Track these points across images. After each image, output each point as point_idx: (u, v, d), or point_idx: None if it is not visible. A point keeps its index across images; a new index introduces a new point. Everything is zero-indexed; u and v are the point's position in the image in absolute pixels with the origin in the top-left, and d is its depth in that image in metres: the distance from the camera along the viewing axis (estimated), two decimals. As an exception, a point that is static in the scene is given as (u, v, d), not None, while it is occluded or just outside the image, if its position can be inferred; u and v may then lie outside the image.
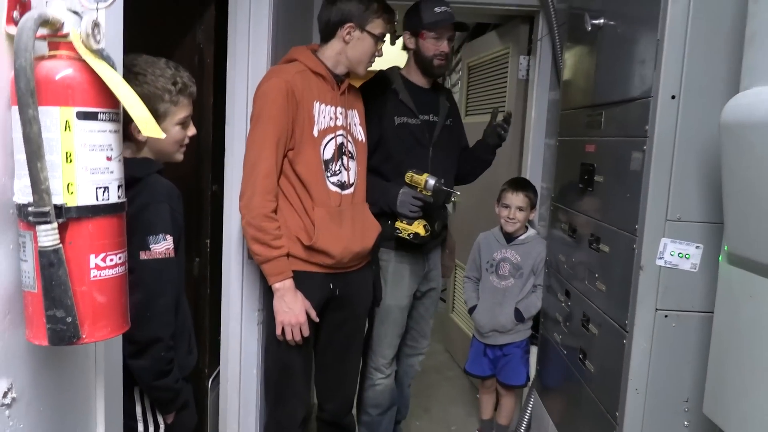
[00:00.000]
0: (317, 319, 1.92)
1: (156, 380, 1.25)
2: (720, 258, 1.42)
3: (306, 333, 1.88)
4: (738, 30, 1.34)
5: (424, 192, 2.08)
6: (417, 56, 2.22)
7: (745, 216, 1.28)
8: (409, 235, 2.11)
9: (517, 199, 2.55)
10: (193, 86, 1.36)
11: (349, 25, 1.89)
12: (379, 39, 1.92)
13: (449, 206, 3.94)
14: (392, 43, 2.22)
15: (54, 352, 0.80)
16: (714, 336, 1.42)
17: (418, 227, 2.10)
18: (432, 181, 2.07)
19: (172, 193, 1.30)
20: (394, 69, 2.29)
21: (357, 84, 2.11)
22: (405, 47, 2.27)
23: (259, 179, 1.81)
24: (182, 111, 1.34)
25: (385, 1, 1.94)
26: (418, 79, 2.27)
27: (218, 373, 2.23)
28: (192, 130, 1.42)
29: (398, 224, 2.12)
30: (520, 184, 2.63)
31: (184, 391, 1.35)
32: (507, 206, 2.57)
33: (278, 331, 1.88)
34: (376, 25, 1.90)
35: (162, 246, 1.21)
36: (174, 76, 1.30)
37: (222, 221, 2.11)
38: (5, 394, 0.71)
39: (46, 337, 0.68)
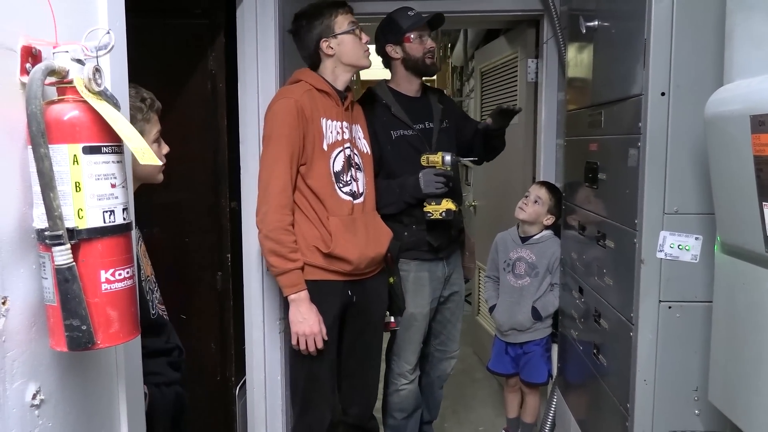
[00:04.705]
0: (326, 338, 1.98)
1: None
2: (715, 248, 1.45)
3: (320, 344, 1.96)
4: (721, 26, 1.38)
5: (443, 168, 2.17)
6: (407, 62, 2.28)
7: (733, 206, 1.32)
8: (441, 214, 2.17)
9: (539, 191, 2.60)
10: (158, 101, 1.38)
11: (323, 41, 2.00)
12: (352, 31, 2.00)
13: (471, 209, 4.01)
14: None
15: (77, 358, 0.90)
16: (714, 325, 1.45)
17: (448, 204, 2.17)
18: (448, 157, 2.17)
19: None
20: (382, 83, 2.36)
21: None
22: (387, 63, 2.33)
23: (274, 194, 1.90)
24: (154, 127, 1.36)
25: (330, 1, 2.02)
26: (408, 88, 2.33)
27: (245, 381, 2.33)
28: (165, 148, 1.42)
29: (427, 208, 2.18)
30: (548, 183, 2.69)
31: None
32: (527, 195, 2.63)
33: (293, 341, 1.97)
34: (340, 24, 2.00)
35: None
36: (140, 94, 1.31)
37: (241, 236, 2.22)
38: (34, 396, 0.81)
39: (66, 344, 0.78)
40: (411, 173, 2.21)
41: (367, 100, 2.29)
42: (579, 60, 2.28)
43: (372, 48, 2.17)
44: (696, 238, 1.64)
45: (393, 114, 2.27)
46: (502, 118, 2.35)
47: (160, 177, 1.41)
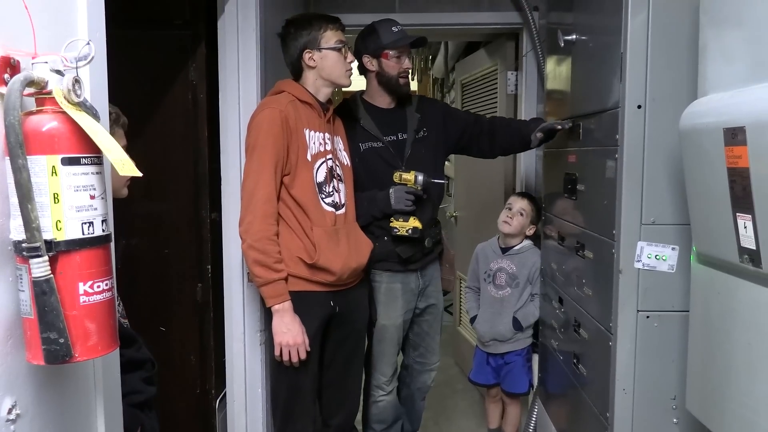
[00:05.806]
0: (309, 349, 1.96)
1: None
2: (691, 258, 1.48)
3: (303, 355, 1.94)
4: (695, 42, 1.41)
5: (415, 187, 2.18)
6: (380, 77, 2.27)
7: (707, 217, 1.34)
8: (407, 231, 2.17)
9: (521, 203, 2.63)
10: (124, 117, 1.35)
11: (306, 52, 2.00)
12: (338, 48, 2.01)
13: (452, 219, 4.03)
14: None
15: (55, 371, 0.89)
16: (690, 333, 1.47)
17: (415, 222, 2.18)
18: (421, 177, 2.17)
19: None
20: (356, 95, 2.36)
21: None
22: (363, 71, 2.32)
23: (259, 204, 1.89)
24: (119, 142, 1.28)
25: (324, 14, 2.05)
26: (381, 100, 2.32)
27: (225, 394, 2.31)
28: None
29: (394, 223, 2.19)
30: (527, 194, 2.71)
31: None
32: (509, 208, 2.65)
33: (276, 352, 1.95)
34: (327, 38, 2.00)
35: None
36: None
37: (221, 247, 2.21)
38: (10, 411, 0.80)
39: (43, 357, 0.77)
40: (379, 185, 2.21)
41: (341, 112, 2.29)
42: (557, 73, 2.32)
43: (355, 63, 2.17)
44: (672, 249, 1.66)
45: (361, 126, 2.27)
46: (551, 134, 2.31)
47: (125, 191, 1.38)
